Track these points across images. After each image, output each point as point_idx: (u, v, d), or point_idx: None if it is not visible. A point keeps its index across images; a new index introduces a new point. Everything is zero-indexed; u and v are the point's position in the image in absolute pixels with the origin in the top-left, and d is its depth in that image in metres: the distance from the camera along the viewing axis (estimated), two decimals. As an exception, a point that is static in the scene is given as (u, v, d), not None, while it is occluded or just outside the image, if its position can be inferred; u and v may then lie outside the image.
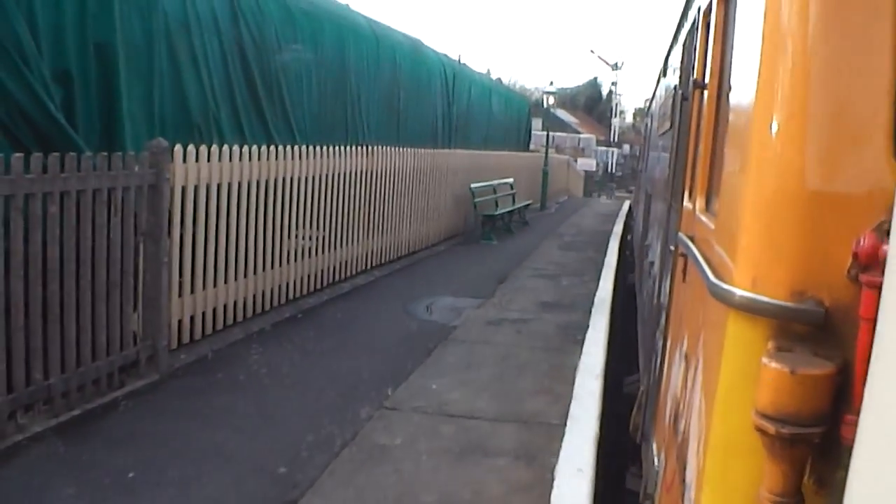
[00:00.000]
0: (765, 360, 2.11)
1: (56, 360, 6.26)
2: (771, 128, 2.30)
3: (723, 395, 2.44)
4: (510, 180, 22.83)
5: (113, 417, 6.51)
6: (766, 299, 2.25)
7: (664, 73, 10.49)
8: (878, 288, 1.90)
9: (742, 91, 2.71)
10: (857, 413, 1.95)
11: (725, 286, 2.43)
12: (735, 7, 3.24)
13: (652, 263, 7.63)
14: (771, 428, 2.05)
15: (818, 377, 2.04)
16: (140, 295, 7.33)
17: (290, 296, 10.72)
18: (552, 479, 5.62)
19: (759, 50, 2.45)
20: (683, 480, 2.96)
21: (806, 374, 2.03)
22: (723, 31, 3.74)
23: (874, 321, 1.87)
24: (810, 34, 2.24)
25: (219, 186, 8.73)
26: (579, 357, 8.61)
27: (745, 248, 2.39)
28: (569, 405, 7.09)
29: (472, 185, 19.22)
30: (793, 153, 2.25)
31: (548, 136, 32.72)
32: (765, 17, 2.43)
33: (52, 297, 6.18)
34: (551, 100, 33.34)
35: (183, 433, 6.27)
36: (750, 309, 2.30)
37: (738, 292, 2.34)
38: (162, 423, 6.43)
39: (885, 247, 1.92)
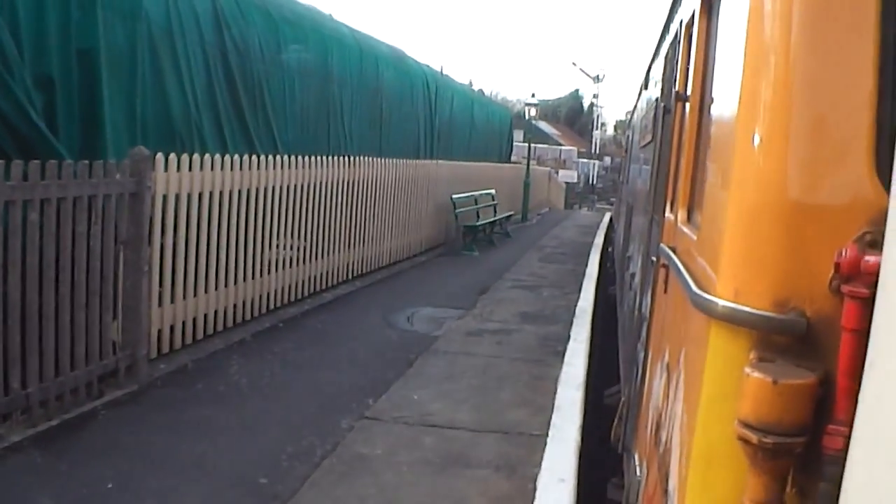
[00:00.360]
0: (747, 370, 2.11)
1: (34, 369, 6.20)
2: (753, 140, 2.32)
3: (705, 406, 2.44)
4: (492, 191, 22.86)
5: (91, 428, 6.46)
6: (748, 310, 2.26)
7: (646, 85, 10.55)
8: (860, 299, 1.92)
9: (724, 103, 2.73)
10: (839, 423, 1.96)
11: (708, 297, 2.44)
12: (717, 20, 3.27)
13: (633, 275, 7.65)
14: (753, 438, 2.06)
15: (800, 387, 2.05)
16: (120, 304, 7.28)
17: (271, 306, 10.68)
18: (533, 490, 5.62)
19: (741, 63, 2.46)
20: (666, 491, 2.97)
21: (788, 384, 2.04)
22: (705, 43, 3.76)
23: (856, 332, 1.89)
24: (792, 47, 2.26)
25: (200, 195, 8.70)
26: (560, 368, 8.63)
27: (728, 259, 2.40)
28: (550, 416, 7.10)
29: (454, 196, 19.24)
30: (774, 165, 2.27)
31: (529, 147, 32.82)
32: (747, 31, 2.45)
33: (30, 305, 6.13)
34: (533, 111, 33.47)
35: (162, 444, 6.22)
36: (732, 319, 2.31)
37: (721, 303, 2.35)
38: (141, 434, 6.38)
39: (867, 258, 1.94)
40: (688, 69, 4.31)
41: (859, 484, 1.54)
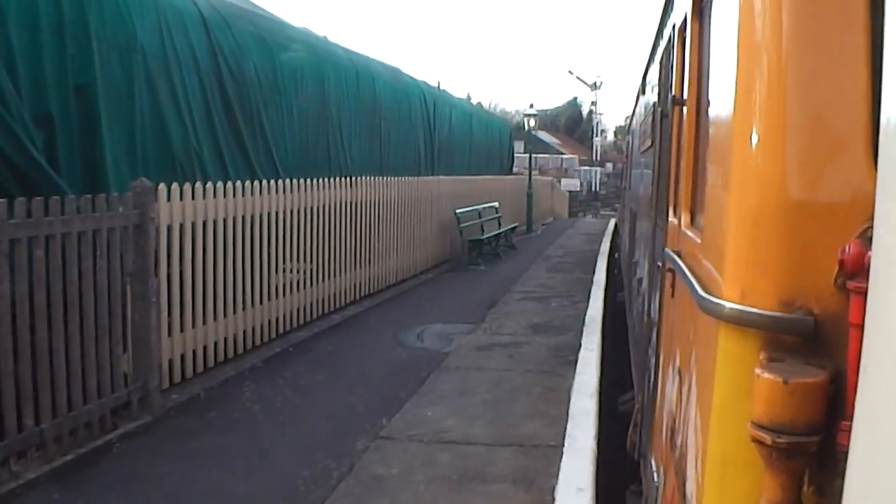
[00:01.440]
0: (757, 371, 2.11)
1: (47, 404, 6.21)
2: (750, 140, 2.32)
3: (718, 408, 2.44)
4: (495, 204, 22.87)
5: (107, 461, 6.45)
6: (755, 311, 2.25)
7: (643, 90, 10.56)
8: (866, 294, 1.91)
9: (720, 105, 2.74)
10: (852, 420, 1.95)
11: (714, 299, 2.44)
12: (709, 22, 3.27)
13: (640, 280, 7.64)
14: (767, 438, 2.05)
15: (811, 386, 2.04)
16: (129, 336, 7.29)
17: (281, 330, 10.69)
18: (552, 502, 5.59)
19: (734, 64, 2.47)
20: (684, 495, 2.95)
21: (799, 383, 2.04)
22: (698, 46, 3.77)
23: (863, 327, 1.88)
24: (784, 46, 2.27)
25: (204, 224, 8.72)
26: (572, 378, 8.60)
27: (732, 260, 2.40)
28: (565, 427, 7.08)
29: (458, 211, 19.24)
30: (773, 165, 2.27)
31: (530, 158, 32.82)
32: (739, 31, 2.46)
33: (40, 342, 6.14)
34: (532, 122, 33.45)
35: (178, 474, 6.21)
36: (740, 321, 2.30)
37: (728, 305, 2.34)
38: (156, 465, 6.37)
39: (870, 253, 1.94)
40: (683, 73, 4.32)
41: (861, 485, 1.54)
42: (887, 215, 1.51)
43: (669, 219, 4.45)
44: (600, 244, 24.04)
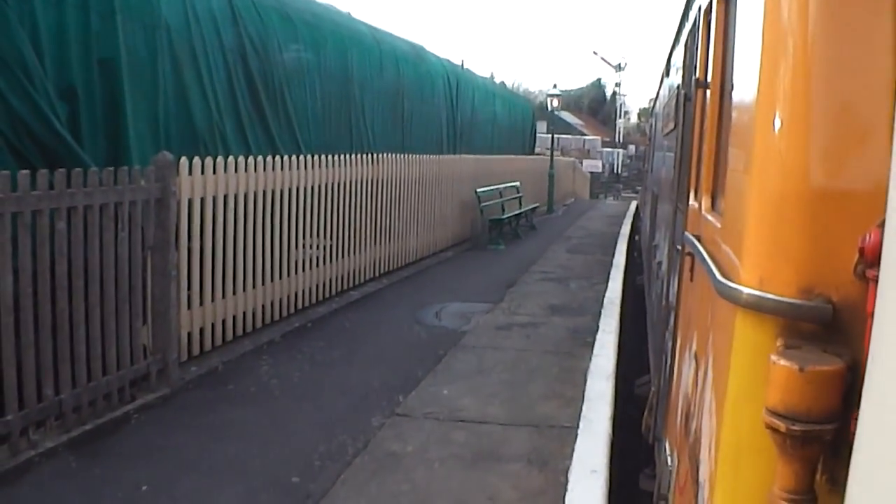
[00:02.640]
0: (773, 357, 2.09)
1: (67, 375, 6.28)
2: (774, 126, 2.30)
3: (733, 395, 2.43)
4: (516, 184, 22.82)
5: (124, 432, 6.53)
6: (773, 297, 2.24)
7: (667, 72, 10.48)
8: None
9: (744, 90, 2.71)
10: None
11: (733, 285, 2.43)
12: (735, 5, 3.24)
13: (660, 264, 7.62)
14: (782, 426, 2.04)
15: (827, 374, 2.03)
16: (149, 308, 7.35)
17: (299, 305, 10.73)
18: (566, 483, 5.61)
19: (759, 48, 2.44)
20: (696, 480, 2.95)
21: (815, 371, 2.02)
22: (724, 29, 3.73)
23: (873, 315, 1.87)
24: (811, 31, 2.24)
25: (225, 198, 8.75)
26: (589, 360, 8.60)
27: (752, 246, 2.38)
28: (580, 409, 7.09)
29: (478, 190, 19.22)
30: (796, 151, 2.25)
31: (553, 138, 32.69)
32: (765, 15, 2.43)
33: (61, 313, 6.20)
34: (555, 102, 33.25)
35: (195, 446, 6.28)
36: (758, 307, 2.29)
37: (746, 291, 2.33)
38: (174, 437, 6.44)
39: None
40: (707, 56, 4.28)
41: (866, 476, 1.53)
42: None
43: (690, 202, 4.43)
44: (621, 227, 23.95)
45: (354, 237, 12.61)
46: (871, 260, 1.97)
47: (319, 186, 11.15)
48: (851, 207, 2.14)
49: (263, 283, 9.74)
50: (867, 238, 1.99)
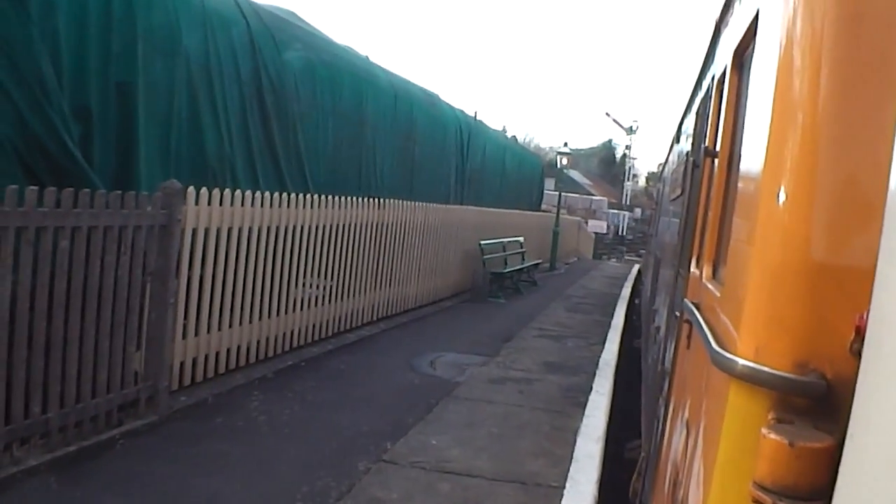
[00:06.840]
0: (764, 431, 2.08)
1: (56, 394, 6.24)
2: (778, 198, 2.30)
3: (722, 465, 2.40)
4: (520, 239, 22.86)
5: (108, 456, 6.47)
6: (768, 370, 2.22)
7: (678, 139, 10.56)
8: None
9: (751, 160, 2.72)
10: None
11: (728, 355, 2.41)
12: (748, 76, 3.27)
13: (658, 328, 7.60)
14: (768, 500, 2.02)
15: (816, 450, 2.01)
16: (144, 334, 7.32)
17: (294, 343, 10.70)
18: (548, 543, 5.54)
19: (769, 120, 2.46)
20: (680, 550, 2.91)
21: (804, 446, 2.01)
22: (735, 99, 3.77)
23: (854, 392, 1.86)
24: (820, 106, 2.25)
25: (230, 230, 8.77)
26: (581, 420, 8.54)
27: (750, 317, 2.38)
28: (568, 468, 7.02)
29: (482, 242, 19.24)
30: (799, 224, 2.25)
31: (560, 196, 32.83)
32: (776, 87, 2.44)
33: (55, 332, 6.18)
34: (565, 160, 33.48)
35: (177, 477, 6.21)
36: (752, 379, 2.28)
37: (741, 362, 2.32)
38: (157, 466, 6.38)
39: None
40: (718, 124, 4.31)
41: None
42: (886, 281, 1.50)
43: (691, 269, 4.43)
44: (622, 289, 23.94)
45: (355, 280, 12.61)
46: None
47: (325, 227, 11.18)
48: (851, 284, 2.13)
49: (260, 319, 9.72)
50: (864, 316, 1.98)
